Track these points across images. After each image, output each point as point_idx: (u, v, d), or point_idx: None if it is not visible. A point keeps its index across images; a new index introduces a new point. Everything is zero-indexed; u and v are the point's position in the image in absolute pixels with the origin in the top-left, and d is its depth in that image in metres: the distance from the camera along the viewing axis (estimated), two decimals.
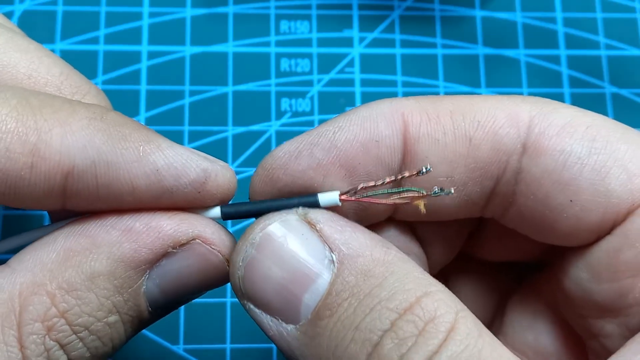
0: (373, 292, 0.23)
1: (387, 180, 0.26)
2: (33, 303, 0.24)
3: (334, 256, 0.24)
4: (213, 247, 0.26)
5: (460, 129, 0.26)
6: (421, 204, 0.25)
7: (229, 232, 0.27)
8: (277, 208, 0.26)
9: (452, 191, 0.25)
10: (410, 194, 0.26)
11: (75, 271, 0.25)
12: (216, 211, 0.27)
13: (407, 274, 0.24)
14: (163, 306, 0.27)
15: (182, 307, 0.41)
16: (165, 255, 0.25)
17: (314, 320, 0.24)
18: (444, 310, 0.23)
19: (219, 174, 0.26)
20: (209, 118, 0.44)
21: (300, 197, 0.26)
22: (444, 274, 0.33)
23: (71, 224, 0.26)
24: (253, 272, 0.25)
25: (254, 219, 0.27)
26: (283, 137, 0.44)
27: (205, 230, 0.26)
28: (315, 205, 0.26)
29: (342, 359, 0.23)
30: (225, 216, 0.27)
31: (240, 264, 0.25)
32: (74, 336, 0.25)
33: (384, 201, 0.26)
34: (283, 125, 0.44)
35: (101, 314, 0.25)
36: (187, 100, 0.44)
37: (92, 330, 0.25)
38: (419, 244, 0.30)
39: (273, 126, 0.44)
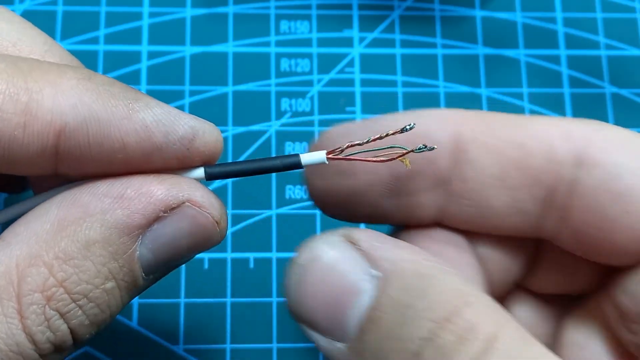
0: (414, 305, 0.24)
1: (372, 138, 0.26)
2: (31, 274, 0.24)
3: (376, 273, 0.25)
4: (203, 209, 0.26)
5: (514, 136, 0.28)
6: (406, 161, 0.26)
7: (216, 195, 0.27)
8: (260, 168, 0.27)
9: (435, 147, 0.26)
10: (395, 151, 0.26)
11: (70, 240, 0.25)
12: (200, 171, 0.27)
13: (447, 285, 0.24)
14: (156, 270, 0.27)
15: (182, 307, 0.41)
16: (156, 219, 0.26)
17: (360, 336, 0.24)
18: (484, 320, 0.23)
19: (207, 131, 0.26)
20: (209, 118, 0.44)
21: (283, 157, 0.27)
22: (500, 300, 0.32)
23: (62, 193, 0.26)
24: (303, 295, 0.26)
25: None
26: (283, 137, 0.44)
27: (195, 193, 0.26)
28: (298, 164, 0.27)
29: None
30: (209, 176, 0.27)
31: (292, 288, 0.26)
32: (73, 304, 0.25)
33: (370, 159, 0.27)
34: (283, 125, 0.44)
35: (98, 280, 0.25)
36: (187, 100, 0.44)
37: (90, 297, 0.25)
38: (477, 258, 0.31)
39: (273, 126, 0.44)
